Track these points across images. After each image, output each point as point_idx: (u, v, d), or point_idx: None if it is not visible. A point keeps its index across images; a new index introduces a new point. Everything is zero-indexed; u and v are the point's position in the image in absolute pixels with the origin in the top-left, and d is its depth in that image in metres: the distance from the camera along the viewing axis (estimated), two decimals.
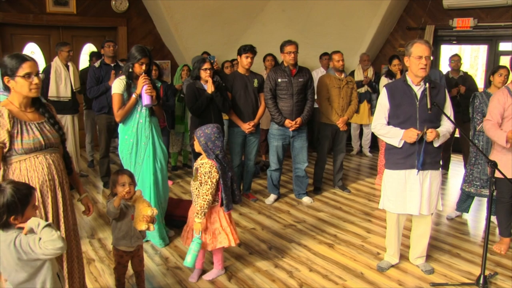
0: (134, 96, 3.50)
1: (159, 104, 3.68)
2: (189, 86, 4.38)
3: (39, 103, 2.36)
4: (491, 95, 3.79)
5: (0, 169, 2.20)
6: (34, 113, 2.31)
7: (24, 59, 2.21)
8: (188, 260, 2.95)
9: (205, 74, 4.19)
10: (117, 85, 3.54)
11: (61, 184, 2.34)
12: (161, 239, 3.71)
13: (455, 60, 5.74)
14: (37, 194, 2.21)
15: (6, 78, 2.20)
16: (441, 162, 3.30)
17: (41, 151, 2.26)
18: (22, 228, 1.84)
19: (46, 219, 2.26)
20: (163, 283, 3.17)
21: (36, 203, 2.02)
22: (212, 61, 4.39)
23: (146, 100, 3.47)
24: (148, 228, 2.68)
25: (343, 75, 5.02)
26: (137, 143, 3.60)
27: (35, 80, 2.20)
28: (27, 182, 2.18)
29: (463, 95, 5.48)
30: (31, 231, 1.84)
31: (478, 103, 4.09)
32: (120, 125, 3.64)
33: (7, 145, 2.17)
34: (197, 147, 3.07)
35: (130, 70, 3.53)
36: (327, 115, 4.98)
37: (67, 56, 5.19)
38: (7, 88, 2.25)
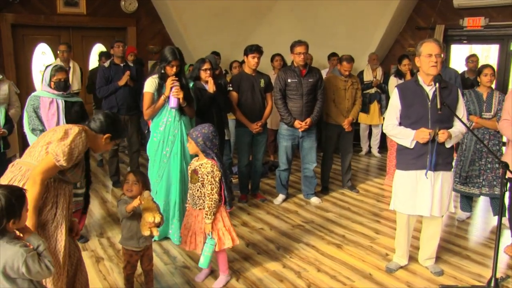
0: (162, 97, 3.59)
1: (189, 104, 3.72)
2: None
3: None
4: (480, 94, 4.04)
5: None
6: None
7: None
8: (202, 261, 2.97)
9: (205, 75, 4.18)
10: (149, 84, 3.65)
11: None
12: (180, 237, 3.72)
13: (474, 60, 5.51)
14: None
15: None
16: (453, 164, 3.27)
17: None
18: (26, 244, 1.77)
19: (55, 216, 2.24)
20: (171, 282, 3.18)
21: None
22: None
23: (172, 102, 3.58)
24: (151, 233, 2.69)
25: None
26: (163, 141, 3.66)
27: None
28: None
29: None
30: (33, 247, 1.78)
31: (465, 101, 3.99)
32: (151, 123, 3.74)
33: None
34: (193, 149, 3.02)
35: (163, 71, 3.63)
36: (332, 116, 4.97)
37: (61, 56, 5.17)
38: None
